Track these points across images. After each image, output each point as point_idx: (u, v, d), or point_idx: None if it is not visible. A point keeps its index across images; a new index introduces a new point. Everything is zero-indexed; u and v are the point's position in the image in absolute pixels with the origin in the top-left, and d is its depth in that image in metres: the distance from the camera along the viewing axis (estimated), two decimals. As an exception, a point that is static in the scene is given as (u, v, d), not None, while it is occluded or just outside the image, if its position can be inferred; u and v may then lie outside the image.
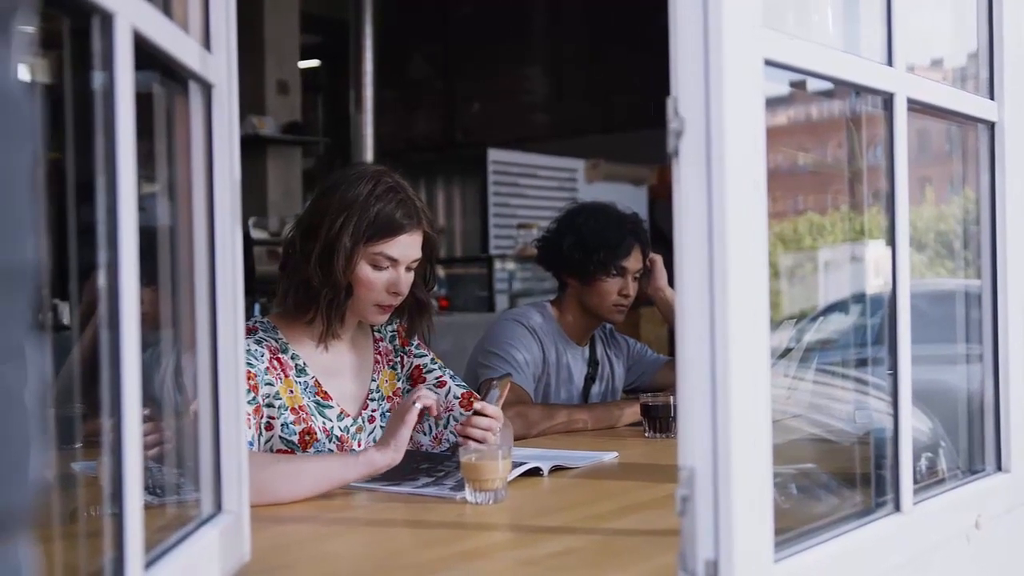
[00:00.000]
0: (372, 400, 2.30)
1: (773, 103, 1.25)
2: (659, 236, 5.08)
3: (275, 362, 2.14)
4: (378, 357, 2.34)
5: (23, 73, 0.58)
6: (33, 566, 0.60)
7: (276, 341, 2.18)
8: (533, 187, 7.97)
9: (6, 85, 0.56)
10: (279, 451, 2.12)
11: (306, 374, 2.19)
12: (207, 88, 1.32)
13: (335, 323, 2.19)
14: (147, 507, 1.05)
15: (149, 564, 1.08)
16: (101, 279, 0.98)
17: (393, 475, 2.03)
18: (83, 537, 1.18)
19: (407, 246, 2.17)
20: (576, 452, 2.29)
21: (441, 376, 2.36)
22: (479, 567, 1.50)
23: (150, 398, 1.13)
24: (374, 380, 2.31)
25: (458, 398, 2.31)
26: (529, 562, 1.49)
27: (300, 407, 2.15)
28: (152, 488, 1.31)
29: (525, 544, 1.62)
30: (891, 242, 1.50)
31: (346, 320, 2.23)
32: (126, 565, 1.00)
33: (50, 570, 1.04)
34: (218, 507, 1.35)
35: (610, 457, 2.31)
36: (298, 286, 2.16)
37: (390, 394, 2.33)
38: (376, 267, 2.16)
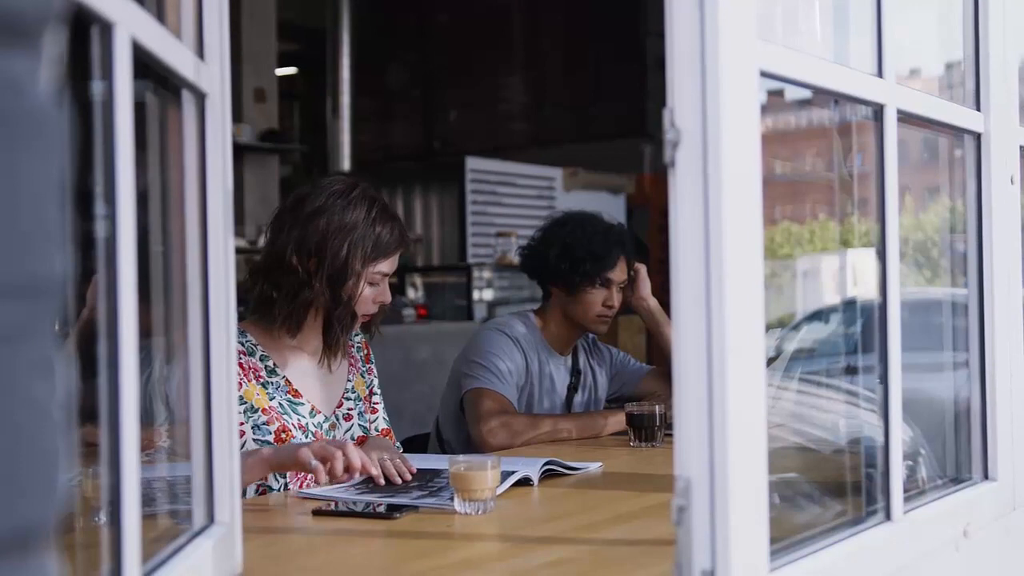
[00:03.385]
0: (348, 399, 2.36)
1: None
2: (638, 245, 5.09)
3: (238, 367, 2.16)
4: (352, 360, 2.41)
5: (52, 86, 0.58)
6: (60, 579, 0.60)
7: (242, 344, 2.21)
8: (511, 195, 7.97)
9: (37, 100, 0.56)
10: None
11: (277, 375, 2.24)
12: (200, 97, 1.32)
13: (344, 342, 2.29)
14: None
15: (144, 577, 1.07)
16: (100, 288, 0.97)
17: (386, 489, 2.02)
18: (77, 548, 1.17)
19: (396, 260, 2.29)
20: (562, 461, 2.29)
21: (378, 403, 2.47)
22: (472, 578, 1.50)
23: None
24: (350, 380, 2.38)
25: (378, 431, 2.39)
26: (522, 572, 1.48)
27: (270, 407, 2.19)
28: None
29: (517, 554, 1.61)
30: (881, 251, 1.51)
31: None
32: (123, 578, 0.99)
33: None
34: (211, 519, 1.34)
35: (595, 467, 2.30)
36: (301, 307, 2.21)
37: (364, 395, 2.41)
38: (371, 284, 2.25)
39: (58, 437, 0.57)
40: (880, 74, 1.50)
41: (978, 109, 1.79)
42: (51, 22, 0.58)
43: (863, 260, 1.69)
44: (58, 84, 0.60)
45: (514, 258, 6.64)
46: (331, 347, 2.26)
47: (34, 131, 0.55)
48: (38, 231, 0.55)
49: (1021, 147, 1.87)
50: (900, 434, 1.51)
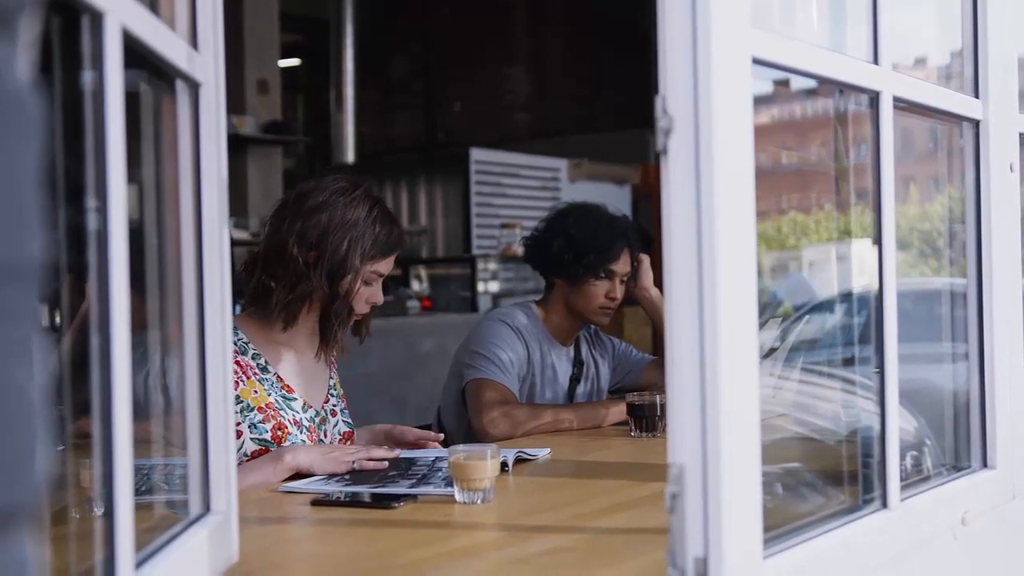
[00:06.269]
0: (332, 395, 2.40)
1: (756, 102, 1.25)
2: (642, 236, 5.09)
3: (235, 365, 2.17)
4: (332, 359, 2.43)
5: (28, 71, 0.58)
6: (39, 561, 0.60)
7: (235, 344, 2.21)
8: (516, 187, 7.96)
9: (12, 84, 0.56)
10: (254, 453, 2.14)
11: (268, 371, 2.25)
12: (194, 87, 1.32)
13: (341, 337, 2.30)
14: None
15: (139, 564, 1.07)
16: (92, 281, 0.98)
17: (373, 480, 2.00)
18: (70, 538, 1.17)
19: (391, 262, 2.32)
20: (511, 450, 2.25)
21: (343, 406, 2.46)
22: (469, 566, 1.50)
23: (136, 400, 1.13)
24: (332, 378, 2.42)
25: (340, 435, 2.39)
26: (519, 560, 1.49)
27: (267, 405, 2.21)
28: (137, 488, 1.30)
29: (514, 543, 1.62)
30: (877, 240, 1.51)
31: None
32: (117, 565, 0.99)
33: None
34: (206, 507, 1.35)
35: (544, 453, 2.31)
36: (298, 299, 2.23)
37: (341, 394, 2.44)
38: (366, 283, 2.27)
39: (36, 420, 0.57)
40: (876, 61, 1.49)
41: (977, 96, 1.78)
42: (27, 8, 0.58)
43: (866, 251, 1.68)
44: (35, 70, 0.60)
45: (518, 249, 6.64)
46: (327, 342, 2.28)
47: (10, 116, 0.56)
48: (14, 216, 0.55)
49: (1020, 135, 1.87)
50: (897, 421, 1.51)
